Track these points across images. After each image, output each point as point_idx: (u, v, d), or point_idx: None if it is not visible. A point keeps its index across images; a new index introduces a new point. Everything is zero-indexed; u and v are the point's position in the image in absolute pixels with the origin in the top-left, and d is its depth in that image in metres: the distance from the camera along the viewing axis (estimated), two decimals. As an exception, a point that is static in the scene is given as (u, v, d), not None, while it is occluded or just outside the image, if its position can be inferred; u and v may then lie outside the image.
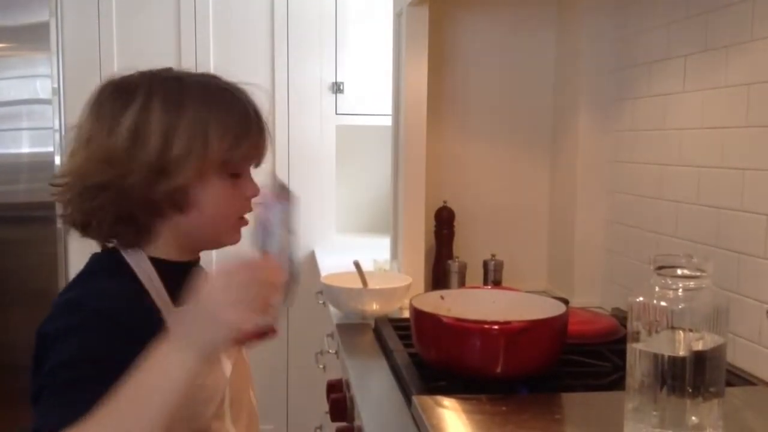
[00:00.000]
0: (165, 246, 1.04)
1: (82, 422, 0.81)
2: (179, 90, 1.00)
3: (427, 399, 1.28)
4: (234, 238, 1.07)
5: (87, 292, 0.99)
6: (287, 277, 0.93)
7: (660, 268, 1.06)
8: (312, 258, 2.89)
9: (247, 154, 1.04)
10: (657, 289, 1.05)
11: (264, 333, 0.89)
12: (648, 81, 1.87)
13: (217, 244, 1.08)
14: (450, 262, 2.16)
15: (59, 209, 1.04)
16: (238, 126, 1.02)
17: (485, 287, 2.06)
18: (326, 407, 1.67)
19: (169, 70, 1.05)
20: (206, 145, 0.98)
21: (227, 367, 1.10)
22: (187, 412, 0.90)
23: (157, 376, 0.83)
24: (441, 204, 2.21)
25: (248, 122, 1.04)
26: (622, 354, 1.13)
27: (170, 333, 0.85)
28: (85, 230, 1.03)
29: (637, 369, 1.06)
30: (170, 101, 0.98)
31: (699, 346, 1.02)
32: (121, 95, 1.00)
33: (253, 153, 1.05)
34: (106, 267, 1.03)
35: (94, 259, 1.06)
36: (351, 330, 1.87)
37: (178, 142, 0.97)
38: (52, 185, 1.02)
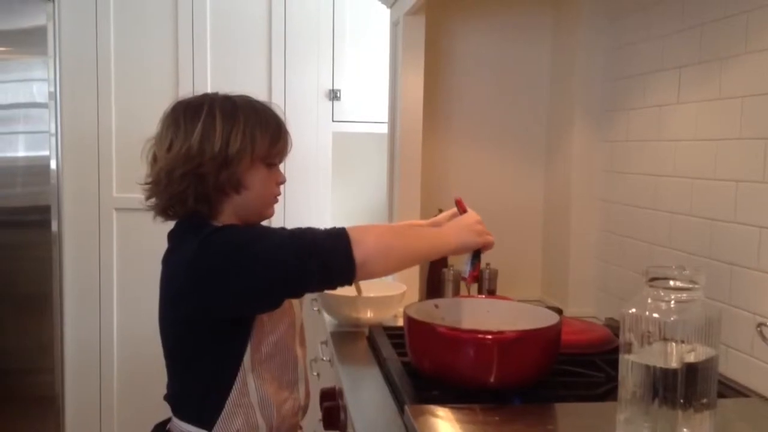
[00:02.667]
0: (227, 219, 1.36)
1: (379, 229, 1.35)
2: (232, 105, 1.35)
3: (420, 408, 1.28)
4: (271, 212, 1.43)
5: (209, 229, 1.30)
6: None
7: (652, 279, 1.06)
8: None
9: (280, 151, 1.40)
10: (649, 300, 1.05)
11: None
12: (643, 92, 1.87)
13: (260, 217, 1.41)
14: (444, 270, 2.16)
15: (144, 202, 1.36)
16: (274, 130, 1.37)
17: (479, 296, 2.06)
18: (320, 415, 1.66)
19: (216, 93, 1.38)
20: (254, 143, 1.33)
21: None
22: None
23: (431, 236, 1.44)
24: (436, 212, 2.20)
25: (280, 127, 1.40)
26: (615, 364, 1.13)
27: (442, 229, 1.47)
28: (170, 211, 1.35)
29: (629, 380, 1.06)
30: (227, 113, 1.33)
31: (691, 358, 1.03)
32: (191, 110, 1.33)
33: (282, 150, 1.40)
34: (200, 225, 1.33)
35: (186, 223, 1.36)
36: (345, 338, 1.87)
37: (235, 141, 1.31)
38: (145, 183, 1.35)
